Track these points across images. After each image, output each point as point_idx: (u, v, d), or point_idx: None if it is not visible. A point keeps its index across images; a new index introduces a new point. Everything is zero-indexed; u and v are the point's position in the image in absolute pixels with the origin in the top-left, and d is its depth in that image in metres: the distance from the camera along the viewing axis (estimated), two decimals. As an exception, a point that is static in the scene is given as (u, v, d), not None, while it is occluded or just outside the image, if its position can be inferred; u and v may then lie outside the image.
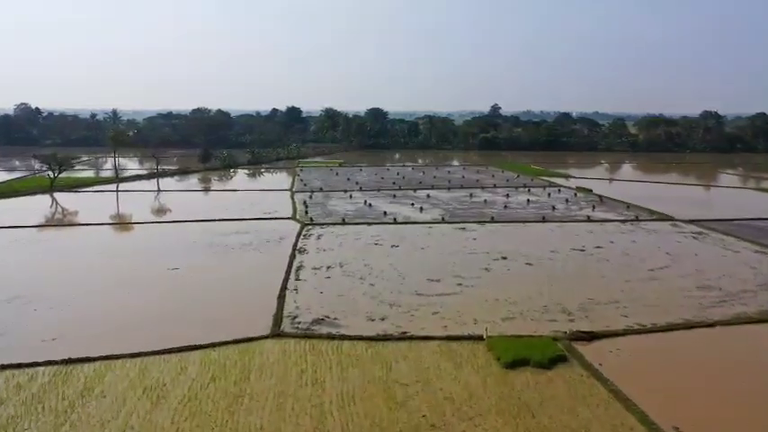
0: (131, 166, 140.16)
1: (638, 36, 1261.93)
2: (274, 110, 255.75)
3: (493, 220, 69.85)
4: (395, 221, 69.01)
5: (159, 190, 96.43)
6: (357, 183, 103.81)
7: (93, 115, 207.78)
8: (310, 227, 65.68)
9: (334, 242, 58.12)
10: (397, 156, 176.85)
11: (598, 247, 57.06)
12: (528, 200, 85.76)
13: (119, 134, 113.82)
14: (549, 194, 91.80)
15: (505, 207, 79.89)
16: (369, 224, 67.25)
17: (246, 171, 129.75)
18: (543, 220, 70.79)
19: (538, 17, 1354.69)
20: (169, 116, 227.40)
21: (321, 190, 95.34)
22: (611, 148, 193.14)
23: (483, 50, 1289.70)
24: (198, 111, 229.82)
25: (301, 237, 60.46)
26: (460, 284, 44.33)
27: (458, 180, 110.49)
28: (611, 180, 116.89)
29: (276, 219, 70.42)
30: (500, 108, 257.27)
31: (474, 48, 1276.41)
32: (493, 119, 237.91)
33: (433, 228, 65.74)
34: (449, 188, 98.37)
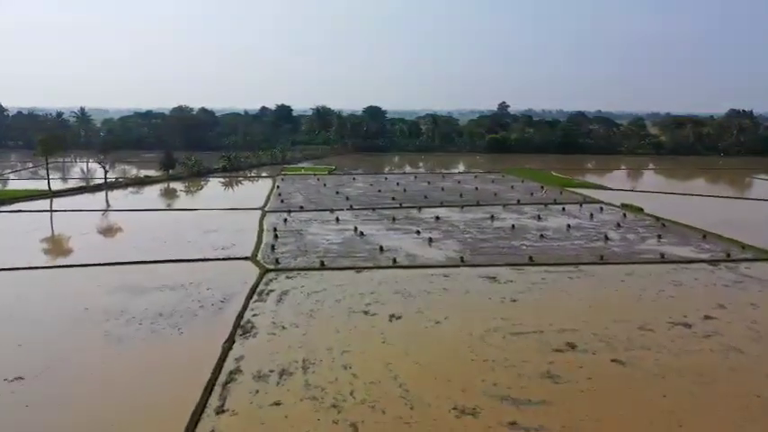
0: (101, 173, 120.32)
1: (639, 34, 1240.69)
2: (263, 108, 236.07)
3: (532, 262, 49.84)
4: (394, 264, 48.98)
5: (107, 209, 76.57)
6: (348, 198, 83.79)
7: (60, 114, 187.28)
8: (273, 275, 45.66)
9: (303, 308, 38.12)
10: (396, 159, 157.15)
11: (707, 317, 37.12)
12: (568, 225, 65.74)
13: (50, 138, 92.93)
14: (592, 215, 71.80)
15: (542, 236, 59.91)
16: (358, 270, 47.21)
17: (221, 180, 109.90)
18: (601, 260, 50.77)
19: (537, 16, 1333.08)
20: (148, 115, 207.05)
21: (301, 209, 75.31)
22: (634, 151, 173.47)
23: (483, 49, 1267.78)
24: (179, 109, 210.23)
25: (255, 296, 40.46)
26: (514, 424, 24.40)
27: (471, 192, 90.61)
28: (633, 189, 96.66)
29: (229, 260, 50.37)
30: (508, 106, 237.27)
31: (474, 47, 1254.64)
32: (500, 118, 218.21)
33: (449, 276, 45.69)
34: (462, 206, 78.34)
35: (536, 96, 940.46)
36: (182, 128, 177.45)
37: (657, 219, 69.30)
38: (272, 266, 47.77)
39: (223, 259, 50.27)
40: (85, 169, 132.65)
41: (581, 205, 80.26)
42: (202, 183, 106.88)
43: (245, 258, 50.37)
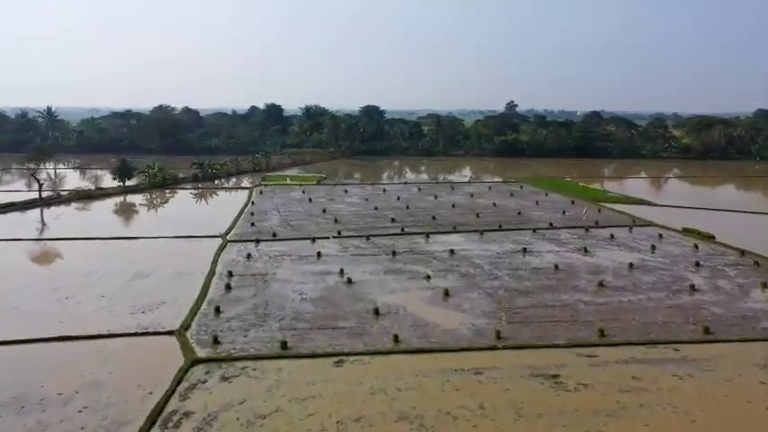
0: (70, 180, 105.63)
1: (638, 33, 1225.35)
2: (253, 108, 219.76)
3: (605, 339, 32.85)
4: (395, 344, 31.95)
5: (33, 237, 59.68)
6: (336, 220, 66.74)
7: (24, 114, 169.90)
8: (203, 371, 28.65)
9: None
10: (396, 164, 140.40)
11: None
12: (630, 263, 48.63)
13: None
14: (654, 247, 54.68)
15: (601, 285, 42.92)
16: (338, 360, 30.16)
17: (191, 191, 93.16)
18: (707, 334, 33.72)
19: (537, 15, 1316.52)
20: (126, 115, 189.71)
21: (274, 237, 58.33)
22: (658, 155, 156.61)
23: (485, 48, 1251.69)
24: (160, 109, 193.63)
25: (157, 430, 23.49)
26: None
27: (489, 210, 73.80)
28: (686, 206, 79.35)
29: (146, 334, 33.36)
30: (516, 105, 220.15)
31: (475, 45, 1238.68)
32: (509, 118, 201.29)
33: (483, 373, 28.62)
34: (481, 231, 61.29)
35: (538, 96, 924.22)
36: (160, 129, 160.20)
37: (742, 252, 52.32)
38: (204, 353, 30.69)
39: (136, 334, 33.22)
40: (53, 176, 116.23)
41: (631, 229, 63.45)
42: (168, 195, 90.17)
43: (170, 333, 33.29)
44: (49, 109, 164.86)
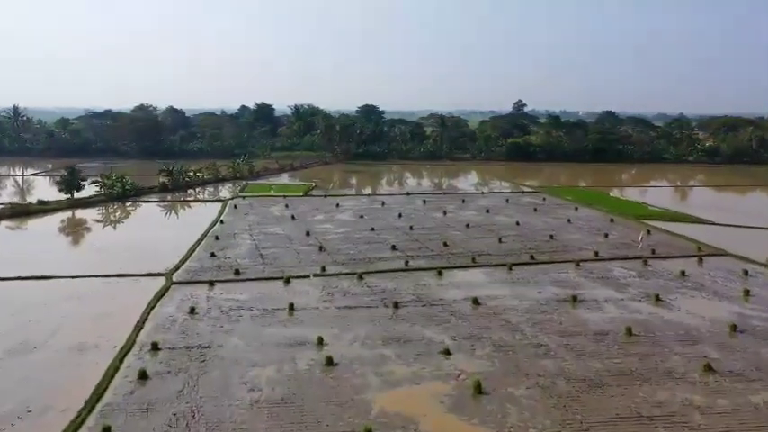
0: (39, 187, 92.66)
1: (632, 34, 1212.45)
2: (243, 107, 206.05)
3: None
4: None
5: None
6: (321, 247, 52.31)
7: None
8: None
9: None
10: (395, 168, 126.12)
11: None
12: (734, 326, 34.16)
13: None
14: (747, 293, 40.33)
15: (708, 368, 28.56)
16: None
17: (160, 205, 79.00)
18: None
19: (529, 14, 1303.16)
20: (106, 115, 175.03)
21: (237, 275, 43.84)
22: (683, 159, 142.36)
23: (485, 47, 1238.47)
24: (140, 108, 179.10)
25: None
26: None
27: (511, 231, 59.50)
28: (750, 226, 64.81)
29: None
30: (524, 105, 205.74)
31: (473, 46, 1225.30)
32: (517, 119, 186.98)
33: None
34: (509, 266, 46.76)
35: (538, 97, 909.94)
36: (136, 130, 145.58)
37: None
38: None
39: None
40: (21, 183, 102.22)
41: (700, 261, 49.15)
42: (129, 208, 76.04)
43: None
44: (15, 108, 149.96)
